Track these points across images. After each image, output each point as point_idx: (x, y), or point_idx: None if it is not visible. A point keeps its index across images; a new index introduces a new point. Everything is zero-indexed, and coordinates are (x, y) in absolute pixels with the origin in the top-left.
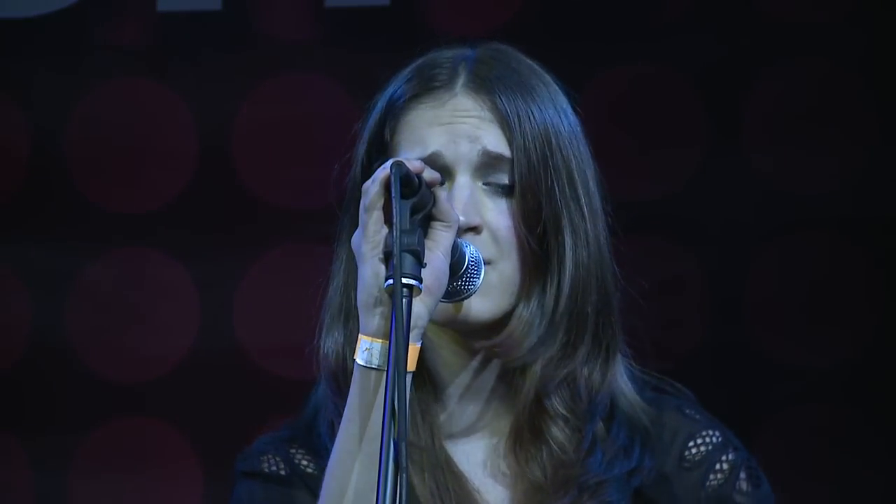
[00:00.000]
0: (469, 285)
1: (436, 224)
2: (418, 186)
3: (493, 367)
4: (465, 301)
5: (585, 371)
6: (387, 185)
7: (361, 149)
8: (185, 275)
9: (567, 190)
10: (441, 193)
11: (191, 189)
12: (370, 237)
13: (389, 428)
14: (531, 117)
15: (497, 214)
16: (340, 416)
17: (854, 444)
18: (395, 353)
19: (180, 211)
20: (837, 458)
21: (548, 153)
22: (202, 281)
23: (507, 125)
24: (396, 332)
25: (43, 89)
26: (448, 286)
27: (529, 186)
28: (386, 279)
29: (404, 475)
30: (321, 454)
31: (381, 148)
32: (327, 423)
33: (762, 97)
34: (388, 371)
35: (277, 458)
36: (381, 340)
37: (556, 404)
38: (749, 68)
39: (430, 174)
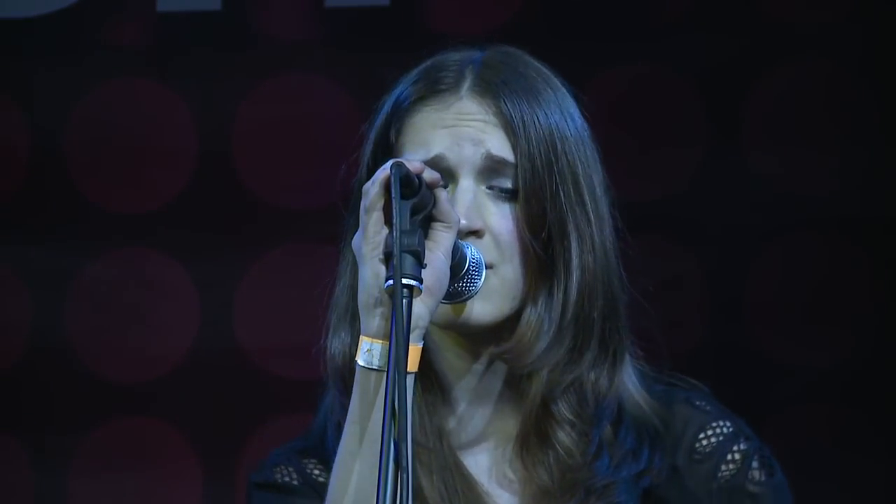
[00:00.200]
0: (470, 286)
1: (436, 225)
2: (418, 187)
3: (500, 372)
4: (467, 304)
5: (592, 376)
6: (387, 186)
7: (367, 150)
8: (185, 275)
9: (573, 195)
10: (441, 194)
11: (191, 189)
12: (370, 238)
13: (390, 428)
14: (536, 122)
15: (500, 219)
16: None
17: (854, 444)
18: (396, 354)
19: (180, 211)
20: (837, 458)
21: (553, 158)
22: (202, 281)
23: (511, 129)
24: (397, 333)
25: (43, 89)
26: (449, 287)
27: (533, 191)
28: (386, 280)
29: (405, 475)
30: (331, 462)
31: (387, 149)
32: (334, 425)
33: (762, 97)
34: (388, 372)
35: (290, 469)
36: (381, 341)
37: (563, 409)
38: (749, 68)
39: (430, 175)
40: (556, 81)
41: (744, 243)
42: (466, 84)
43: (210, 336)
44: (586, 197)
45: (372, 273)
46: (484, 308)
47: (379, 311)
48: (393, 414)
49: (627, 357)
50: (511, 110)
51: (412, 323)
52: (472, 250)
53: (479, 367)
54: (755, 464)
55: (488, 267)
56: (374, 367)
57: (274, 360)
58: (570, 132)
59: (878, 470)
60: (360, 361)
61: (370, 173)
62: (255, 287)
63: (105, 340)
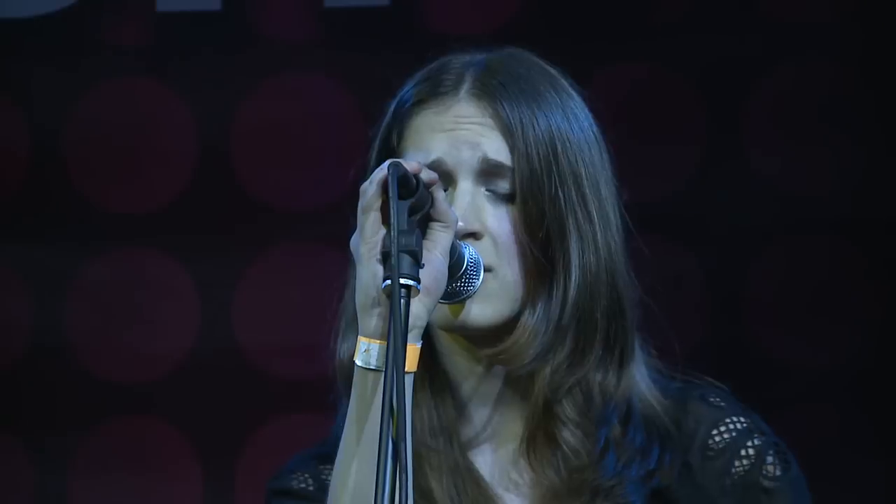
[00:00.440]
0: (468, 286)
1: (434, 224)
2: (416, 187)
3: (503, 374)
4: (466, 307)
5: (598, 376)
6: (384, 186)
7: (372, 153)
8: (185, 275)
9: (574, 196)
10: (439, 194)
11: (191, 189)
12: (367, 238)
13: (387, 428)
14: (535, 124)
15: (498, 221)
16: None
17: (854, 444)
18: (393, 354)
19: (180, 211)
20: (837, 458)
21: (552, 160)
22: (202, 281)
23: (508, 132)
24: (394, 333)
25: (43, 89)
26: (447, 287)
27: (531, 194)
28: (383, 280)
29: (404, 475)
30: None
31: (389, 153)
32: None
33: (762, 97)
34: (385, 372)
35: (307, 475)
36: (378, 341)
37: (568, 409)
38: (749, 68)
39: (427, 175)
40: (563, 83)
41: (744, 243)
42: (465, 86)
43: (210, 336)
44: (589, 198)
45: (369, 273)
46: (483, 311)
47: (376, 311)
48: (391, 414)
49: (638, 356)
50: (508, 113)
51: (410, 323)
52: (470, 250)
53: (484, 369)
54: (770, 459)
55: (487, 270)
56: (372, 367)
57: (274, 360)
58: (572, 134)
59: (879, 470)
60: (358, 361)
61: None
62: (255, 287)
63: (105, 340)
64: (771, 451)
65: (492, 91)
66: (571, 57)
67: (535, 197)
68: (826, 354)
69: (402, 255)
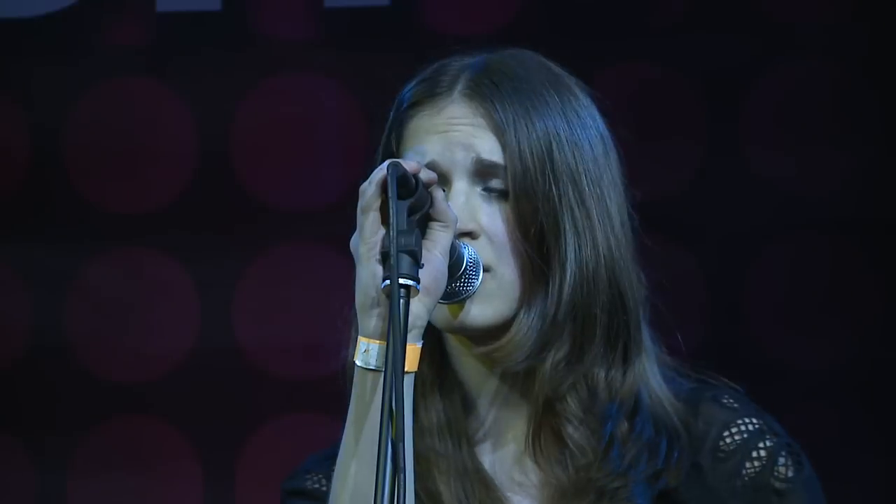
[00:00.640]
0: (468, 286)
1: (434, 224)
2: (415, 187)
3: (510, 374)
4: (466, 307)
5: (602, 372)
6: (383, 186)
7: (378, 156)
8: (185, 275)
9: (571, 194)
10: (438, 193)
11: (191, 189)
12: (367, 238)
13: (386, 429)
14: (528, 122)
15: (493, 219)
16: None
17: (854, 444)
18: (393, 354)
19: (180, 211)
20: (837, 458)
21: (546, 158)
22: (202, 281)
23: (500, 131)
24: (393, 333)
25: (42, 89)
26: (446, 287)
27: (524, 191)
28: (383, 280)
29: (402, 476)
30: None
31: (390, 156)
32: None
33: (762, 97)
34: (385, 372)
35: (320, 475)
36: (378, 341)
37: (572, 406)
38: (749, 68)
39: (426, 174)
40: (566, 82)
41: (744, 243)
42: (458, 87)
43: (210, 336)
44: (588, 196)
45: (369, 273)
46: (483, 311)
47: (376, 311)
48: (390, 414)
49: (648, 352)
50: (500, 111)
51: (410, 322)
52: (469, 250)
53: (492, 370)
54: (782, 460)
55: (486, 270)
56: (372, 368)
57: (274, 359)
58: (570, 132)
59: (879, 469)
60: (358, 362)
61: None
62: (255, 287)
63: (105, 340)
64: (783, 453)
65: (484, 91)
66: (571, 57)
67: (528, 194)
68: (826, 354)
69: (401, 255)
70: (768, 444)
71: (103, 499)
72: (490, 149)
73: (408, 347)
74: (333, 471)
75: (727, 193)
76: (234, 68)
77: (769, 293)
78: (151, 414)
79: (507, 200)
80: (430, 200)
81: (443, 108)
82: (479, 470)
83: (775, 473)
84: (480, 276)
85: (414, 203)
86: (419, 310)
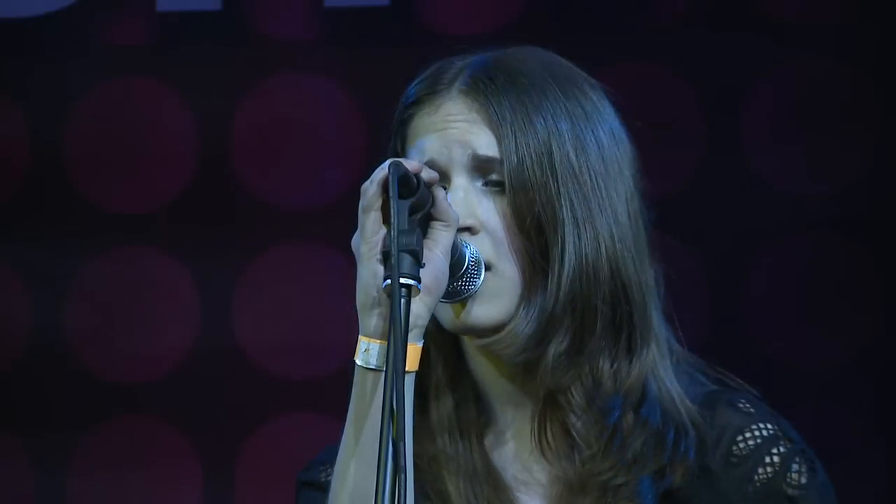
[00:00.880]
0: (469, 285)
1: (435, 224)
2: (417, 186)
3: (521, 371)
4: (469, 308)
5: (606, 364)
6: (385, 186)
7: (388, 155)
8: (185, 274)
9: (570, 186)
10: (440, 193)
11: (191, 189)
12: (368, 238)
13: (387, 428)
14: (525, 116)
15: (492, 214)
16: None
17: (854, 444)
18: (393, 354)
19: (180, 211)
20: (838, 458)
21: (543, 151)
22: (202, 281)
23: (496, 125)
24: (394, 333)
25: (42, 89)
26: (448, 286)
27: (520, 183)
28: (384, 279)
29: (403, 475)
30: None
31: (395, 155)
32: None
33: (762, 97)
34: (386, 371)
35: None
36: (379, 341)
37: (575, 398)
38: (749, 68)
39: (428, 174)
40: (575, 78)
41: (743, 243)
42: (457, 84)
43: (210, 336)
44: (588, 189)
45: (370, 273)
46: (488, 311)
47: (377, 310)
48: (391, 414)
49: (657, 345)
50: (494, 106)
51: (410, 322)
52: (471, 249)
53: (506, 368)
54: (795, 466)
55: (487, 269)
56: (372, 367)
57: (274, 359)
58: (572, 126)
59: (880, 469)
60: (358, 361)
61: None
62: (255, 287)
63: (105, 340)
64: (797, 459)
65: (481, 86)
66: (571, 57)
67: (525, 187)
68: (827, 354)
69: (402, 255)
70: (782, 449)
71: (103, 499)
72: (487, 144)
73: (408, 347)
74: None
75: (727, 193)
76: (234, 68)
77: (769, 293)
78: (151, 414)
79: (505, 193)
80: (432, 200)
81: (440, 105)
82: (488, 470)
83: (788, 480)
84: (482, 276)
85: (415, 202)
86: (420, 309)
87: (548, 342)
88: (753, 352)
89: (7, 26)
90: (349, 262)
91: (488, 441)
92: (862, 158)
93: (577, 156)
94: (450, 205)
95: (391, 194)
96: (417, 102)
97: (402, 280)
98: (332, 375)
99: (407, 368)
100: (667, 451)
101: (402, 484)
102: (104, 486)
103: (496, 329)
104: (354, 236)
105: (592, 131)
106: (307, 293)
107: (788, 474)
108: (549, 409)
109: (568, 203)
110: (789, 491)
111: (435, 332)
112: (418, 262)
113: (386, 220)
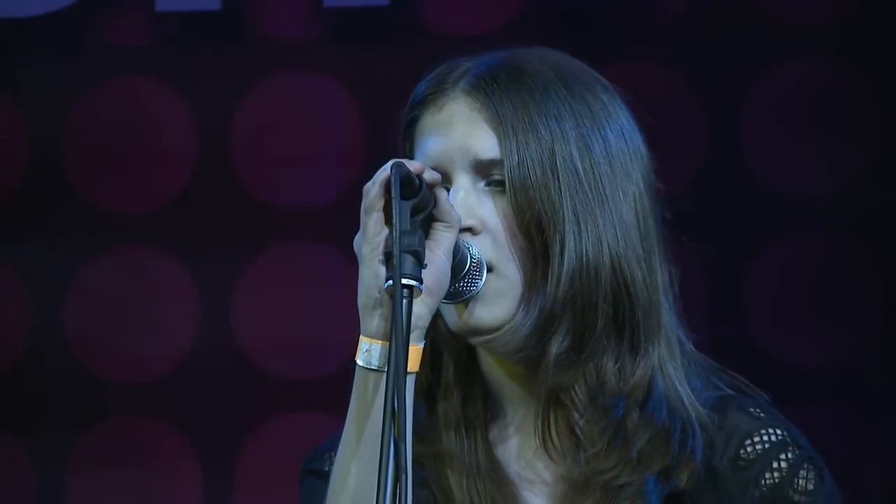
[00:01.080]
0: (471, 286)
1: (437, 225)
2: (419, 187)
3: (526, 369)
4: (473, 310)
5: (609, 362)
6: (387, 186)
7: (400, 154)
8: (185, 275)
9: (572, 185)
10: (442, 194)
11: (190, 189)
12: (370, 239)
13: (389, 429)
14: (526, 116)
15: (493, 214)
16: None
17: (854, 444)
18: (395, 354)
19: (180, 210)
20: (837, 458)
21: (544, 150)
22: (202, 281)
23: (496, 123)
24: (396, 333)
25: (42, 89)
26: (450, 287)
27: (521, 182)
28: (386, 280)
29: (405, 476)
30: None
31: (403, 155)
32: None
33: (762, 97)
34: (387, 372)
35: None
36: (380, 341)
37: (579, 396)
38: (749, 68)
39: (430, 175)
40: (584, 78)
41: (743, 243)
42: (461, 84)
43: (210, 336)
44: (590, 188)
45: (372, 273)
46: (490, 311)
47: (378, 311)
48: (393, 414)
49: (665, 344)
50: (496, 106)
51: (412, 323)
52: (473, 250)
53: (508, 366)
54: (802, 472)
55: (489, 270)
56: (373, 368)
57: (273, 359)
58: (575, 125)
59: (879, 469)
60: (359, 361)
61: None
62: (255, 287)
63: (105, 340)
64: (805, 466)
65: (483, 86)
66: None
67: (525, 185)
68: (826, 354)
69: (404, 256)
70: (790, 455)
71: (102, 498)
72: (488, 146)
73: (410, 348)
74: None
75: (727, 193)
76: (233, 68)
77: (769, 292)
78: (151, 414)
79: (506, 192)
80: (434, 200)
81: (444, 105)
82: (493, 467)
83: (795, 486)
84: (484, 276)
85: (417, 203)
86: (421, 310)
87: (548, 340)
88: (753, 352)
89: (7, 26)
90: (349, 262)
91: (493, 437)
92: (862, 158)
93: (580, 155)
94: (452, 206)
95: (393, 195)
96: (423, 102)
97: (404, 281)
98: (331, 375)
99: (408, 369)
100: (673, 450)
101: (404, 484)
102: (104, 486)
103: (498, 329)
104: (356, 237)
105: (599, 130)
106: (307, 293)
107: (795, 480)
108: (553, 407)
109: (569, 202)
110: (796, 497)
111: (447, 335)
112: (420, 263)
113: (388, 220)
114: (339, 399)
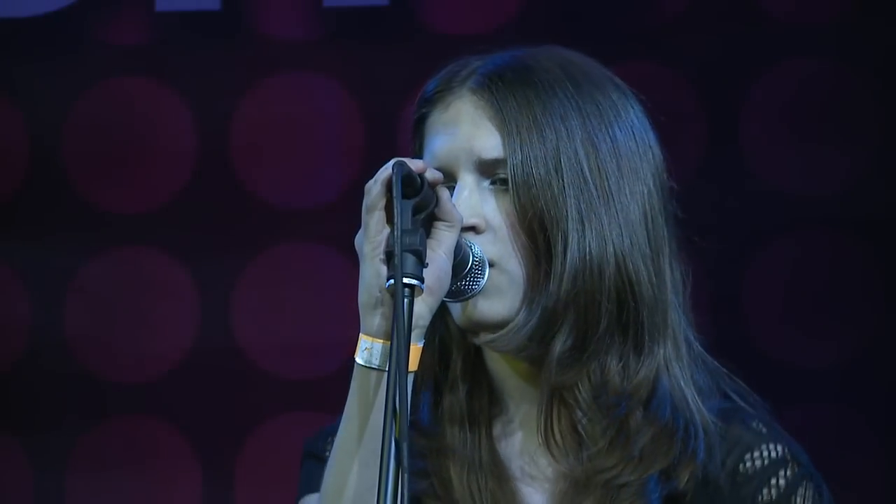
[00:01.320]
0: (473, 285)
1: (439, 224)
2: (421, 186)
3: (531, 366)
4: (478, 305)
5: (613, 361)
6: (388, 185)
7: (411, 152)
8: (185, 275)
9: (576, 182)
10: (444, 193)
11: (190, 189)
12: (371, 237)
13: (390, 428)
14: (531, 115)
15: (497, 212)
16: None
17: (854, 444)
18: (396, 353)
19: (180, 211)
20: (837, 458)
21: (549, 148)
22: (202, 281)
23: (502, 123)
24: (398, 332)
25: (41, 89)
26: (451, 286)
27: (524, 180)
28: (387, 279)
29: (405, 475)
30: None
31: (411, 154)
32: None
33: (762, 97)
34: (388, 371)
35: None
36: (381, 340)
37: (583, 394)
38: (748, 68)
39: (432, 174)
40: (595, 78)
41: (743, 243)
42: (468, 84)
43: (209, 336)
44: (595, 187)
45: (373, 272)
46: (493, 306)
47: (379, 310)
48: (393, 413)
49: (672, 345)
50: (501, 105)
51: (413, 322)
52: (475, 249)
53: (513, 363)
54: (801, 490)
55: (492, 265)
56: (374, 367)
57: (273, 359)
58: (582, 124)
59: (878, 469)
60: (359, 360)
61: None
62: (255, 287)
63: (105, 340)
64: (803, 483)
65: (488, 85)
66: None
67: (528, 183)
68: (826, 354)
69: (406, 255)
70: (789, 472)
71: (102, 498)
72: (492, 145)
73: (410, 347)
74: None
75: (727, 193)
76: (233, 67)
77: (769, 292)
78: (151, 414)
79: (509, 191)
80: (436, 200)
81: (451, 104)
82: (494, 462)
83: (793, 502)
84: (486, 275)
85: (419, 202)
86: (422, 310)
87: (550, 339)
88: (753, 352)
89: (7, 26)
90: (349, 262)
91: (497, 433)
92: (862, 158)
93: (585, 153)
94: (454, 205)
95: (395, 194)
96: (432, 100)
97: (406, 280)
98: (331, 375)
99: (409, 368)
100: (675, 449)
101: (404, 484)
102: (104, 486)
103: (501, 326)
104: (358, 235)
105: (607, 129)
106: (307, 293)
107: (793, 497)
108: (556, 405)
109: (573, 200)
110: None
111: (457, 332)
112: (422, 262)
113: (389, 219)
114: (339, 399)
